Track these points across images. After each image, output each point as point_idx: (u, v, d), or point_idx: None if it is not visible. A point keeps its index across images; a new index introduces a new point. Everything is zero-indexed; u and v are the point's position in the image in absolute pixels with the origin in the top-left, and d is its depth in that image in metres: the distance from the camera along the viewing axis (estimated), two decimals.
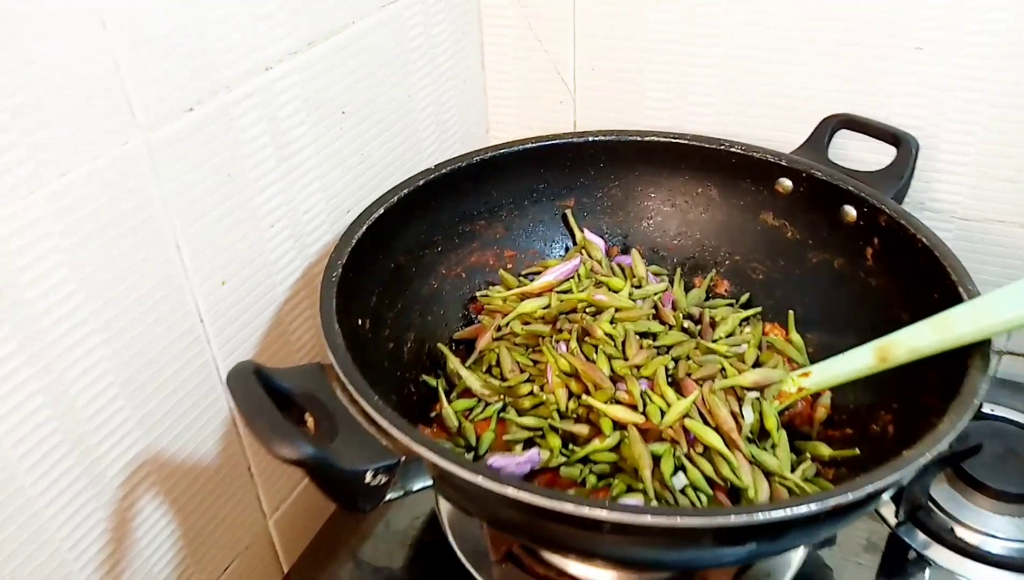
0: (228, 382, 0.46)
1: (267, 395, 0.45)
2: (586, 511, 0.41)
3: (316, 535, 0.75)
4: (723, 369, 0.61)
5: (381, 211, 0.65)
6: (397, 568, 0.66)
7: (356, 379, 0.49)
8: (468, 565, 0.62)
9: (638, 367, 0.60)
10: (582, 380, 0.60)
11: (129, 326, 0.52)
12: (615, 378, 0.60)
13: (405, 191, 0.67)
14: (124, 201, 0.50)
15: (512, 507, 0.43)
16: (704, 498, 0.54)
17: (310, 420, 0.49)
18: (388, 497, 0.46)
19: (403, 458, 0.46)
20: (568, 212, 0.76)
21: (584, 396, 0.58)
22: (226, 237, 0.58)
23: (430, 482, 0.48)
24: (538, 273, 0.73)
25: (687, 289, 0.75)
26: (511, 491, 0.42)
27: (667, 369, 0.60)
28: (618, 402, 0.58)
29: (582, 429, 0.58)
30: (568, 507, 0.41)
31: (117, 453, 0.54)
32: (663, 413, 0.57)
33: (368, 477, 0.44)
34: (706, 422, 0.57)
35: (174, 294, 0.55)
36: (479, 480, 0.43)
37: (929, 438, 0.46)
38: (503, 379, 0.64)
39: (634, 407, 0.57)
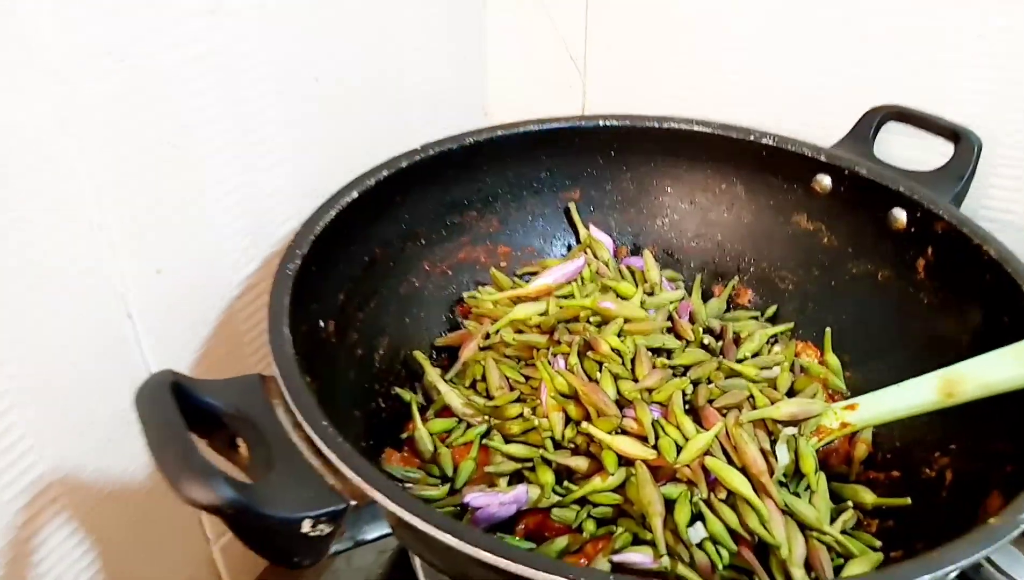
0: (136, 399, 0.37)
1: (182, 416, 0.36)
2: None
3: (268, 565, 0.65)
4: (751, 397, 0.51)
5: (355, 195, 0.56)
6: None
7: (301, 396, 0.39)
8: None
9: (650, 391, 0.50)
10: (582, 403, 0.50)
11: (30, 316, 0.43)
12: (622, 403, 0.50)
13: (384, 173, 0.58)
14: (26, 165, 0.40)
15: (490, 571, 0.34)
16: (726, 554, 0.44)
17: (243, 446, 0.40)
18: (333, 550, 0.37)
19: (352, 503, 0.36)
20: (572, 205, 0.68)
21: (584, 423, 0.49)
22: (164, 217, 0.49)
23: (388, 531, 0.38)
24: (535, 274, 0.64)
25: (705, 298, 0.65)
26: (488, 556, 0.33)
27: (684, 394, 0.51)
28: (625, 432, 0.49)
29: (580, 463, 0.49)
30: None
31: (15, 473, 0.45)
32: (679, 448, 0.47)
33: (306, 526, 0.35)
34: (731, 461, 0.47)
35: (94, 281, 0.46)
36: (447, 539, 0.33)
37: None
38: (489, 397, 0.54)
39: (644, 439, 0.48)
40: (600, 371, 0.52)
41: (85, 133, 0.43)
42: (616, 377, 0.51)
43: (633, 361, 0.53)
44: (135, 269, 0.48)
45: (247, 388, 0.41)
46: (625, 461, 0.48)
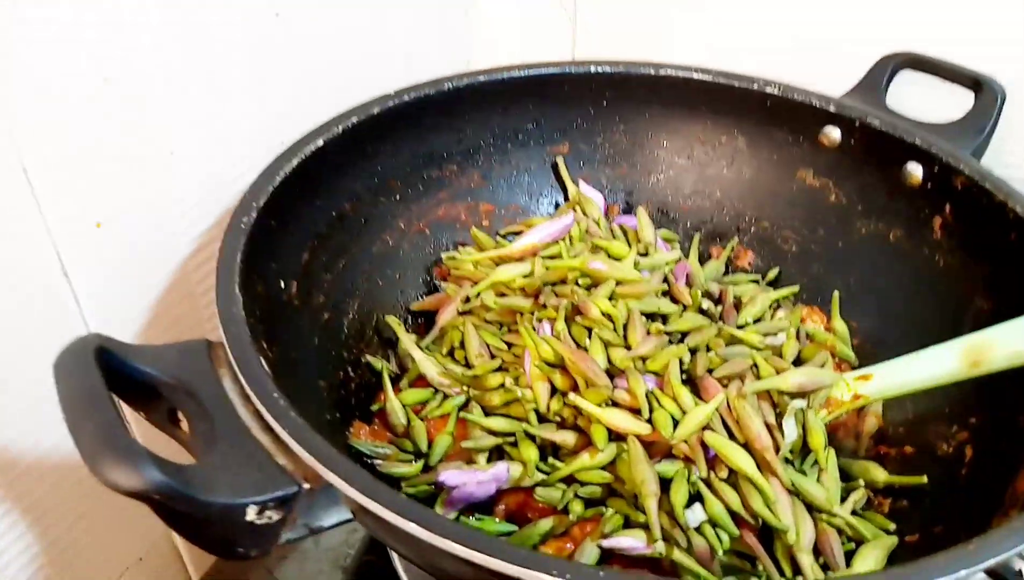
0: (54, 366, 0.32)
1: (107, 385, 0.31)
2: None
3: None
4: (755, 366, 0.47)
5: (320, 143, 0.51)
6: None
7: (251, 364, 0.35)
8: None
9: (644, 359, 0.46)
10: (569, 373, 0.46)
11: None
12: (613, 372, 0.46)
13: (354, 120, 0.53)
14: None
15: (460, 564, 0.29)
16: (726, 538, 0.40)
17: (185, 421, 0.35)
18: (284, 539, 0.32)
19: (306, 486, 0.31)
20: (560, 160, 0.63)
21: (571, 395, 0.44)
22: (101, 163, 0.44)
23: (348, 516, 0.34)
24: (519, 233, 0.59)
25: (702, 260, 0.61)
26: (457, 548, 0.28)
27: (682, 363, 0.46)
28: (616, 404, 0.44)
29: (567, 438, 0.44)
30: (543, 579, 0.27)
31: None
32: (676, 422, 0.43)
33: (251, 514, 0.30)
34: (732, 437, 0.43)
35: (20, 233, 0.41)
36: (412, 528, 0.29)
37: None
38: (468, 365, 0.50)
39: (637, 412, 0.43)
40: (589, 338, 0.47)
41: None
42: (607, 344, 0.47)
43: (625, 327, 0.48)
44: (70, 221, 0.43)
45: (190, 355, 0.36)
46: (616, 436, 0.43)
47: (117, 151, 0.44)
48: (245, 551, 0.31)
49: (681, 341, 0.49)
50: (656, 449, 0.43)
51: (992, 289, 0.49)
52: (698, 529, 0.41)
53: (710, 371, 0.46)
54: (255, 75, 0.52)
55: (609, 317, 0.48)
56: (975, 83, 0.57)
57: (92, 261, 0.45)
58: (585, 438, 0.44)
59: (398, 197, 0.58)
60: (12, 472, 0.44)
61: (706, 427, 0.43)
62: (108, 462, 0.28)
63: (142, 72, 0.44)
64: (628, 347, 0.47)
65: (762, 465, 0.42)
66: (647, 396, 0.44)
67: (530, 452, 0.44)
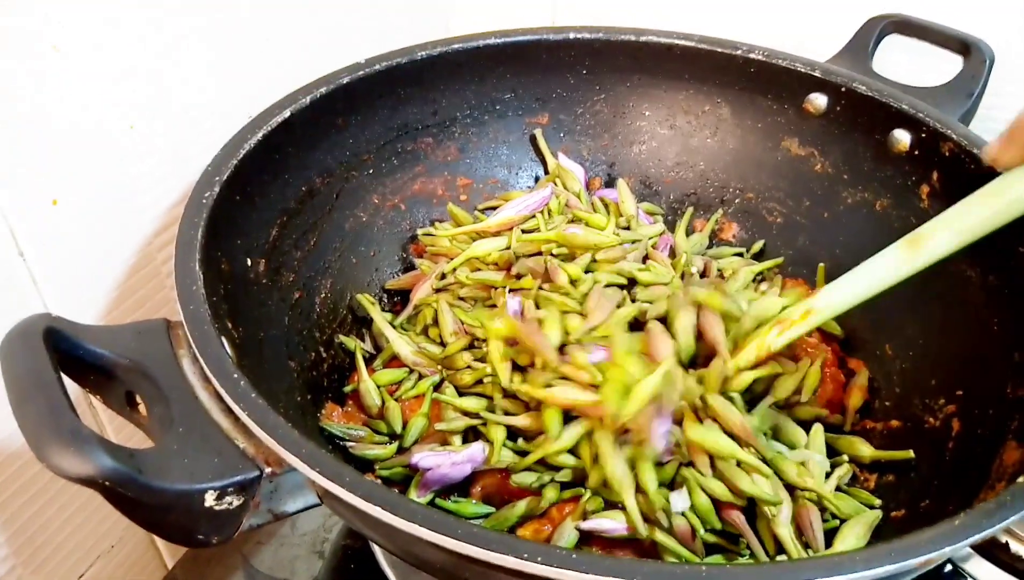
0: (0, 349, 0.30)
1: (56, 367, 0.30)
2: (541, 570, 0.26)
3: None
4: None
5: (287, 114, 0.49)
6: None
7: (210, 344, 0.33)
8: None
9: (595, 328, 0.43)
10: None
11: None
12: (569, 343, 0.43)
13: (322, 90, 0.51)
14: None
15: (430, 549, 0.28)
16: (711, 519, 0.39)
17: (143, 404, 0.34)
18: (248, 524, 0.31)
19: (268, 470, 0.30)
20: (539, 132, 0.61)
21: (515, 381, 0.42)
22: (57, 137, 0.42)
23: (315, 501, 0.32)
24: (498, 208, 0.57)
25: (685, 233, 0.59)
26: (427, 534, 0.27)
27: (638, 320, 0.44)
28: (568, 380, 0.41)
29: (525, 421, 0.42)
30: (512, 562, 0.26)
31: None
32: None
33: (209, 499, 0.29)
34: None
35: None
36: (377, 512, 0.28)
37: None
38: (443, 344, 0.48)
39: (596, 387, 0.40)
40: (546, 308, 0.45)
41: None
42: (566, 314, 0.44)
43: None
44: (23, 198, 0.41)
45: (147, 335, 0.35)
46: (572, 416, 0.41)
47: (72, 124, 0.42)
48: (206, 538, 0.30)
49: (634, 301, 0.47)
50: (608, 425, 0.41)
51: (981, 258, 0.48)
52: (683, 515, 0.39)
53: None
54: (220, 43, 0.50)
55: (575, 284, 0.46)
56: (963, 46, 0.56)
57: (49, 240, 0.43)
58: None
59: (371, 171, 0.56)
60: None
61: (660, 400, 0.39)
62: (53, 447, 0.26)
63: (97, 38, 0.42)
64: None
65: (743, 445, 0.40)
66: (595, 367, 0.40)
67: (497, 432, 0.42)
